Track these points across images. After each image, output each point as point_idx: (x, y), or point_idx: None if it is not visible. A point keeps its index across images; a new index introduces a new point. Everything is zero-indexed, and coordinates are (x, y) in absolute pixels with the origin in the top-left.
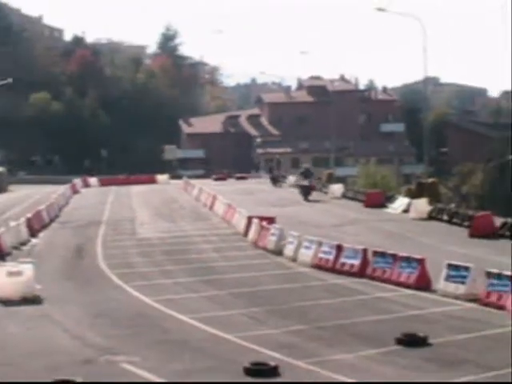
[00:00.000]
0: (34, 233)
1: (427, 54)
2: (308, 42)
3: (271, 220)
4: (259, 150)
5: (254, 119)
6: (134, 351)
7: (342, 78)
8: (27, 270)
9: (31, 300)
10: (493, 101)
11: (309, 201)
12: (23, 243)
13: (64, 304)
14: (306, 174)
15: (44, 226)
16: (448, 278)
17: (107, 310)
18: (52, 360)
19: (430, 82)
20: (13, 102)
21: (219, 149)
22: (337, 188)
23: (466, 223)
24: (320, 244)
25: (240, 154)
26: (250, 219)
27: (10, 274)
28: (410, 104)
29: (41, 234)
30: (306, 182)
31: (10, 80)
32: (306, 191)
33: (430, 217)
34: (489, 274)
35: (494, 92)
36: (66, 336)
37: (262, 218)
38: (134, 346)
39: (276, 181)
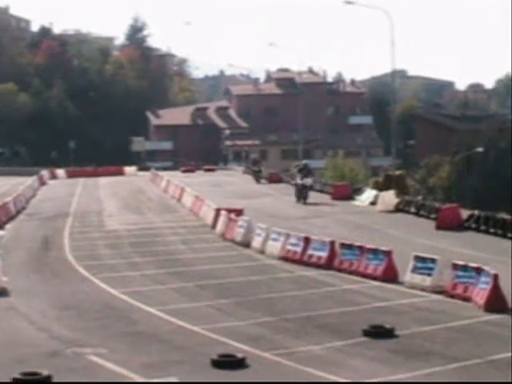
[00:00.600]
0: (0, 224)
1: (395, 47)
2: (276, 34)
3: (239, 212)
4: (227, 142)
5: (222, 111)
6: (101, 343)
7: (311, 71)
8: None
9: None
10: (460, 94)
11: (306, 204)
12: None
13: (31, 296)
14: (306, 172)
15: (11, 218)
16: (415, 269)
17: (74, 302)
18: (18, 352)
19: (398, 74)
20: None
21: (187, 141)
22: (304, 180)
23: (432, 215)
24: (288, 236)
25: (208, 146)
26: (217, 211)
27: None
28: (378, 96)
29: (7, 226)
30: (306, 181)
31: None
32: (304, 192)
33: (398, 209)
34: (455, 266)
35: (461, 85)
36: (33, 328)
37: (229, 210)
38: (101, 338)
39: (259, 177)
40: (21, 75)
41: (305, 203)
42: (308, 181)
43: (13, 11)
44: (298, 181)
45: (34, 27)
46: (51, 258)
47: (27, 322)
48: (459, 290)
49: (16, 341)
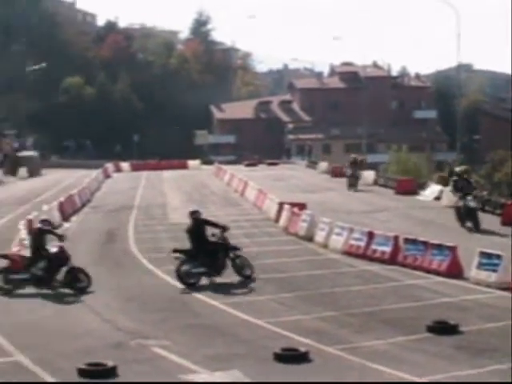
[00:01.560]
0: (66, 217)
1: (461, 41)
2: (341, 27)
3: (302, 206)
4: (290, 136)
5: (285, 105)
6: (165, 335)
7: (375, 65)
8: None
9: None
10: None
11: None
12: (55, 227)
13: (96, 288)
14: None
15: (76, 211)
16: (480, 265)
17: (138, 294)
18: (83, 343)
19: (464, 68)
20: (47, 87)
21: (250, 134)
22: (368, 175)
23: (498, 211)
24: (351, 230)
25: (271, 140)
26: (281, 205)
27: None
28: (443, 90)
29: (73, 218)
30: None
31: (44, 64)
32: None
33: None
34: None
35: None
36: (98, 320)
37: (293, 204)
38: (164, 330)
39: (353, 183)
40: (87, 69)
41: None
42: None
43: (79, 6)
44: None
45: (100, 21)
46: (116, 250)
47: (92, 314)
48: None
49: (81, 332)
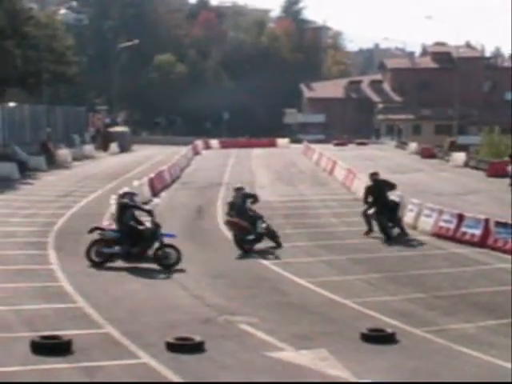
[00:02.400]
0: (155, 192)
1: None
2: (433, 6)
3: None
4: (380, 116)
5: (376, 85)
6: (253, 312)
7: (468, 45)
8: None
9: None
10: None
11: None
12: (145, 203)
13: (184, 263)
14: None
15: (166, 186)
16: None
17: (226, 271)
18: (172, 318)
19: None
20: (138, 64)
21: (340, 114)
22: (458, 156)
23: None
24: (441, 212)
25: (361, 120)
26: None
27: None
28: None
29: (162, 194)
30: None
31: (136, 41)
32: None
33: None
34: None
35: None
36: (186, 295)
37: None
38: (252, 308)
39: None
40: (178, 46)
41: None
42: None
43: None
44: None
45: None
46: (204, 227)
47: (181, 289)
48: None
49: (170, 307)
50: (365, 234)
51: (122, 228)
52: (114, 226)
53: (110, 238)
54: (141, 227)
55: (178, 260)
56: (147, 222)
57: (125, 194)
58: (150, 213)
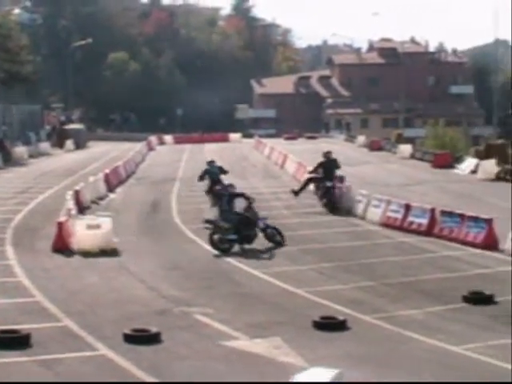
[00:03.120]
0: (111, 188)
1: (498, 17)
2: (379, 3)
3: (341, 179)
4: (329, 111)
5: (324, 80)
6: (208, 303)
7: (413, 41)
8: (105, 223)
9: (109, 252)
10: None
11: None
12: (101, 198)
13: (140, 256)
14: None
15: (121, 182)
16: None
17: (182, 263)
18: (129, 310)
19: (501, 44)
20: (92, 62)
21: (290, 109)
22: (405, 148)
23: None
24: (389, 203)
25: (310, 114)
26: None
27: (89, 226)
28: (480, 66)
29: (118, 190)
30: None
31: (89, 40)
32: None
33: (498, 178)
34: None
35: None
36: (142, 287)
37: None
38: (207, 299)
39: None
40: (131, 45)
41: None
42: None
43: None
44: None
45: None
46: (159, 221)
47: (137, 281)
48: None
49: (127, 299)
50: (292, 192)
51: (228, 216)
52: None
53: (225, 227)
54: (247, 213)
55: (283, 239)
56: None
57: (229, 186)
58: (250, 199)
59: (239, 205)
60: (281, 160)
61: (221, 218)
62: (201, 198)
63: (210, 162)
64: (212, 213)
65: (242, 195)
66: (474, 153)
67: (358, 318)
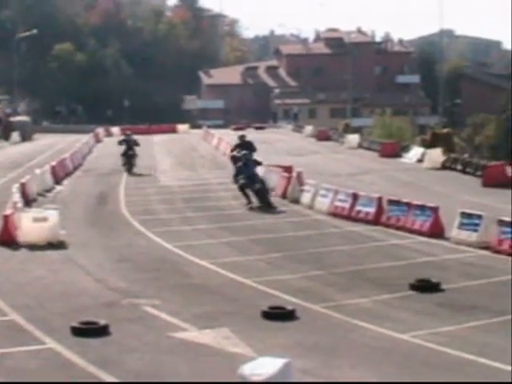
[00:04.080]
0: (58, 180)
1: (443, 7)
2: None
3: (289, 169)
4: (277, 101)
5: (272, 70)
6: (156, 295)
7: (359, 31)
8: (52, 215)
9: (56, 245)
10: (507, 53)
11: None
12: (48, 190)
13: (88, 249)
14: None
15: (68, 174)
16: (461, 225)
17: (129, 254)
18: (76, 302)
19: (446, 34)
20: (38, 53)
21: (238, 99)
22: (353, 138)
23: (478, 173)
24: (336, 192)
25: (258, 105)
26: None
27: (36, 219)
28: (426, 56)
29: (65, 182)
30: None
31: (34, 31)
32: None
33: (444, 166)
34: (501, 222)
35: (508, 45)
36: (90, 279)
37: (279, 167)
38: (155, 290)
39: None
40: (77, 35)
41: None
42: None
43: None
44: None
45: None
46: (107, 213)
47: (85, 274)
48: (505, 246)
49: (74, 291)
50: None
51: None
52: None
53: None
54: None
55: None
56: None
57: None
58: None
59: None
60: (229, 151)
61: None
62: (149, 189)
63: (242, 137)
64: None
65: (253, 161)
66: (420, 142)
67: (307, 308)
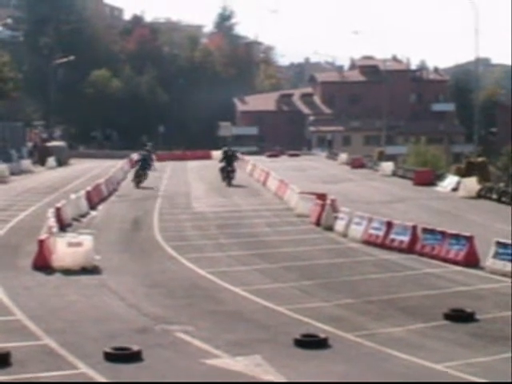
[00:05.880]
0: (93, 205)
1: (479, 35)
2: (360, 21)
3: (323, 196)
4: (311, 128)
5: (307, 98)
6: (189, 321)
7: (394, 58)
8: (87, 240)
9: (90, 270)
10: None
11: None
12: (83, 215)
13: (121, 274)
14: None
15: (103, 199)
16: (496, 255)
17: (163, 280)
18: (109, 327)
19: (481, 62)
20: (74, 79)
21: (272, 126)
22: (387, 166)
23: None
24: (370, 220)
25: (293, 132)
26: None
27: (71, 244)
28: (461, 84)
29: (99, 207)
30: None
31: (71, 57)
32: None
33: (479, 195)
34: None
35: None
36: (123, 305)
37: (313, 195)
38: (188, 316)
39: None
40: (113, 62)
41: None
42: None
43: (107, 0)
44: None
45: (127, 16)
46: (141, 238)
47: (118, 299)
48: None
49: (107, 316)
50: (224, 181)
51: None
52: None
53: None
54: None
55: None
56: None
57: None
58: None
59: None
60: (263, 177)
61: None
62: (182, 215)
63: (225, 151)
64: None
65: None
66: (455, 170)
67: (339, 336)
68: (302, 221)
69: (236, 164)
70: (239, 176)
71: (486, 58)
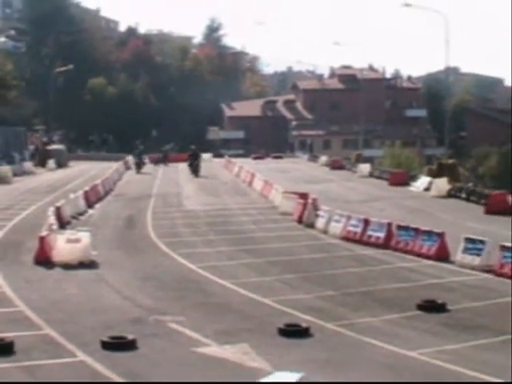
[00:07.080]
0: (90, 204)
1: (449, 46)
2: (340, 33)
3: (304, 196)
4: (294, 132)
5: (289, 104)
6: (180, 312)
7: (371, 68)
8: (84, 237)
9: (88, 264)
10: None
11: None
12: (81, 213)
13: (117, 268)
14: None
15: (100, 199)
16: (465, 250)
17: (156, 274)
18: (106, 318)
19: (451, 71)
20: (73, 87)
21: (258, 130)
22: (364, 167)
23: (482, 201)
24: (349, 218)
25: (277, 136)
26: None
27: (69, 240)
28: (433, 91)
29: (96, 206)
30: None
31: (70, 66)
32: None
33: (450, 195)
34: (503, 247)
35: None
36: (119, 297)
37: (296, 194)
38: (179, 307)
39: None
40: (110, 70)
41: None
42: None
43: (103, 13)
44: None
45: (122, 27)
46: (135, 235)
47: (114, 292)
48: (506, 269)
49: (104, 308)
50: (192, 174)
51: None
52: None
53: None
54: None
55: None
56: None
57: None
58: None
59: None
60: (249, 178)
61: None
62: (174, 213)
63: (192, 150)
64: None
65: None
66: (427, 171)
67: (321, 326)
68: (286, 218)
69: (200, 160)
70: (226, 176)
71: (455, 67)
